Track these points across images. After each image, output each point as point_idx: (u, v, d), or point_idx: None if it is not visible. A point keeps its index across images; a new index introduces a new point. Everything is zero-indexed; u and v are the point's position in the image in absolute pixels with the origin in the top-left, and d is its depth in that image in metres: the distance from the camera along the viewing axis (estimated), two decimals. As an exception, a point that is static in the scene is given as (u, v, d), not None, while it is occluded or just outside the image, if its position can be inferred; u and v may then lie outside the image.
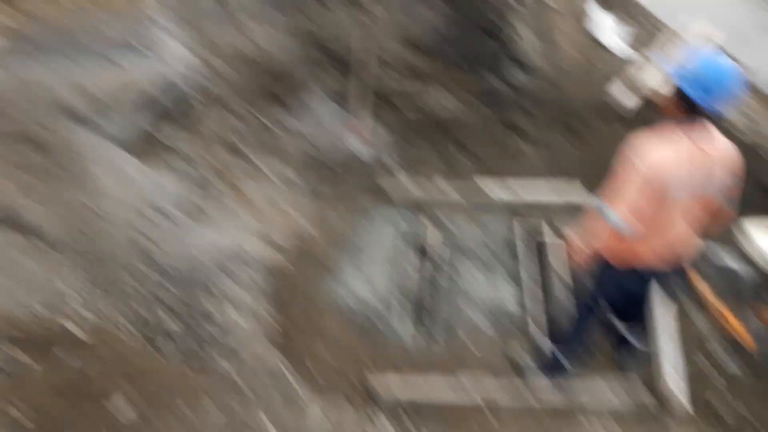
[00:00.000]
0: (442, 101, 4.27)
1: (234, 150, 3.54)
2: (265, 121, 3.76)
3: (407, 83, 4.24)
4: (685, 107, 2.08)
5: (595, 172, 3.05)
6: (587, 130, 4.19)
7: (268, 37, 3.97)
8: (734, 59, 2.98)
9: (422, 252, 3.66)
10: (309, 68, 4.07)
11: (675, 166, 2.08)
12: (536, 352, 3.06)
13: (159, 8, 3.56)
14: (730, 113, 3.62)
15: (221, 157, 3.45)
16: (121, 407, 2.08)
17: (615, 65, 4.29)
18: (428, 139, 4.20)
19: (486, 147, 4.23)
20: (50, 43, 3.03)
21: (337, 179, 3.92)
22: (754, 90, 3.93)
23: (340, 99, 4.05)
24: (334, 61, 4.13)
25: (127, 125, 3.04)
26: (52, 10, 3.21)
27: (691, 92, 2.03)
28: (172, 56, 3.44)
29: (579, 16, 4.48)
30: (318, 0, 4.19)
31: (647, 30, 4.41)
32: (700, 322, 3.26)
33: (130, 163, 2.89)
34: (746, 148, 2.84)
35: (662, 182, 2.08)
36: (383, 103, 4.11)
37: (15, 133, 2.57)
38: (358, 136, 4.01)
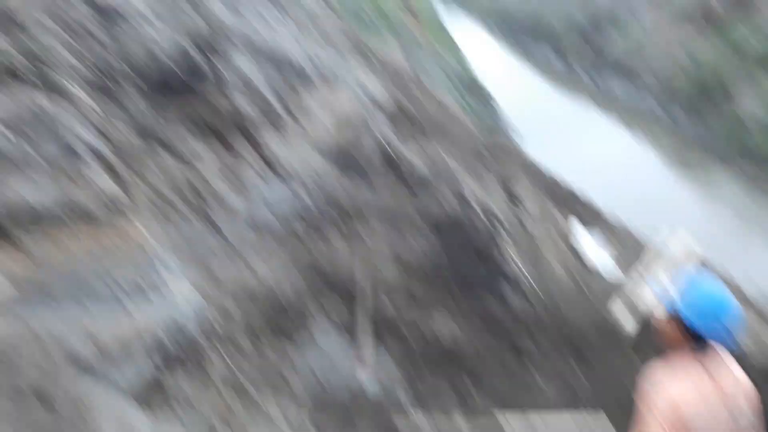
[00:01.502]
0: (447, 328, 4.10)
1: (241, 392, 3.15)
2: (272, 358, 3.43)
3: (410, 311, 4.10)
4: (691, 336, 1.91)
5: (615, 400, 2.84)
6: (595, 354, 4.06)
7: (271, 271, 3.84)
8: (720, 273, 3.05)
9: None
10: (314, 300, 3.89)
11: (697, 402, 1.86)
12: None
13: (165, 249, 3.40)
14: (742, 339, 3.59)
15: (229, 402, 3.04)
16: None
17: (608, 286, 4.33)
18: (438, 370, 3.92)
19: (497, 377, 3.98)
20: (59, 289, 2.73)
21: (348, 420, 3.51)
22: (747, 303, 3.97)
23: (347, 330, 3.82)
24: (338, 292, 3.99)
25: (136, 374, 2.64)
26: (61, 255, 2.96)
27: (695, 322, 1.89)
28: (180, 297, 3.20)
29: (565, 239, 4.63)
30: (317, 232, 4.20)
31: (631, 248, 4.57)
32: None
33: (138, 418, 2.46)
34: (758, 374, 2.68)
35: (685, 421, 1.84)
36: (389, 332, 3.90)
37: (22, 387, 2.15)
38: (367, 370, 3.71)
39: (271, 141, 4.57)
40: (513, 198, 4.95)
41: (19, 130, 2.76)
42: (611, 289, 4.24)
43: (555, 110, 16.65)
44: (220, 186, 4.12)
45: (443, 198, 4.45)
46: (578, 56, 22.22)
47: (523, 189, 5.02)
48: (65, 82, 3.22)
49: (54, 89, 3.17)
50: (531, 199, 4.93)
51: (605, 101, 18.09)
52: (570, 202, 5.28)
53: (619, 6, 22.52)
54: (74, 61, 3.48)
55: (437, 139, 5.99)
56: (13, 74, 2.98)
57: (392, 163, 4.80)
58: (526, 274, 4.38)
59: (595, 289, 4.30)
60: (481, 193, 4.60)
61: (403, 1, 18.86)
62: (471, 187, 4.55)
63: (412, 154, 4.93)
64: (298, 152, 4.60)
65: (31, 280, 2.62)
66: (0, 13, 3.26)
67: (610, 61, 19.96)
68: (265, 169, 4.44)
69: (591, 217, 5.14)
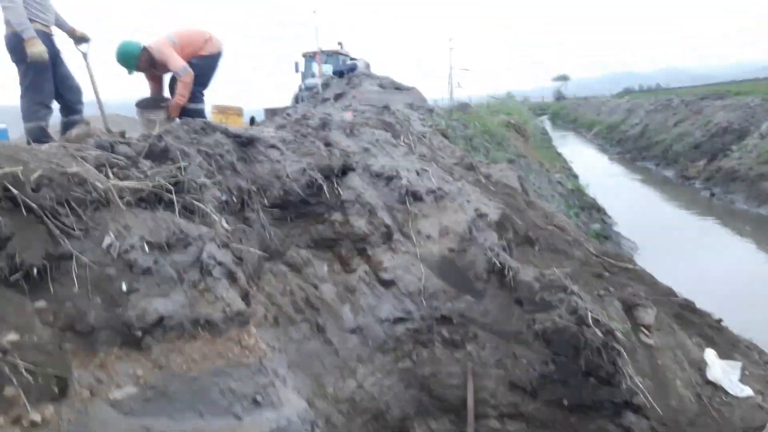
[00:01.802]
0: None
1: None
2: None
3: (511, 424, 3.86)
4: None
5: None
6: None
7: (377, 383, 3.82)
8: None
9: None
10: (420, 418, 3.78)
11: None
12: None
13: (279, 359, 3.51)
14: None
15: None
16: None
17: (743, 411, 3.85)
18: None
19: None
20: (179, 394, 2.89)
21: None
22: None
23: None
24: (444, 410, 3.87)
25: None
26: (183, 363, 3.16)
27: None
28: (289, 408, 3.25)
29: (691, 360, 4.23)
30: (426, 348, 4.15)
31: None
32: None
33: None
34: None
35: None
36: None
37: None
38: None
39: (384, 258, 4.71)
40: (631, 314, 4.65)
41: (158, 248, 3.06)
42: (750, 414, 3.77)
43: (671, 223, 15.81)
44: (334, 300, 4.25)
45: (555, 313, 4.28)
46: (693, 168, 21.35)
47: (642, 304, 4.71)
48: (202, 206, 3.58)
49: (192, 211, 3.52)
50: (651, 316, 4.60)
51: (725, 213, 16.96)
52: (695, 320, 4.86)
53: (738, 117, 21.73)
54: (212, 186, 3.87)
55: (548, 254, 5.87)
56: (159, 200, 3.35)
57: (502, 278, 4.73)
58: (647, 395, 4.00)
59: (727, 415, 3.83)
60: (596, 308, 4.38)
61: (511, 122, 19.41)
62: (584, 302, 4.34)
63: (522, 269, 4.85)
64: (410, 268, 4.68)
65: (154, 385, 2.78)
66: (159, 149, 3.76)
67: (728, 171, 18.96)
68: (376, 285, 4.55)
69: (720, 338, 4.67)
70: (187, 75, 6.50)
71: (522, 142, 18.89)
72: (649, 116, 30.80)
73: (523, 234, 5.69)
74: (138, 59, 6.51)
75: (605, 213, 15.19)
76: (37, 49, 5.22)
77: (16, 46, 5.33)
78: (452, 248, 4.90)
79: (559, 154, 26.20)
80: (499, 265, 4.73)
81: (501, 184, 6.83)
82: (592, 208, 15.10)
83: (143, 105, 6.81)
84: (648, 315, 4.64)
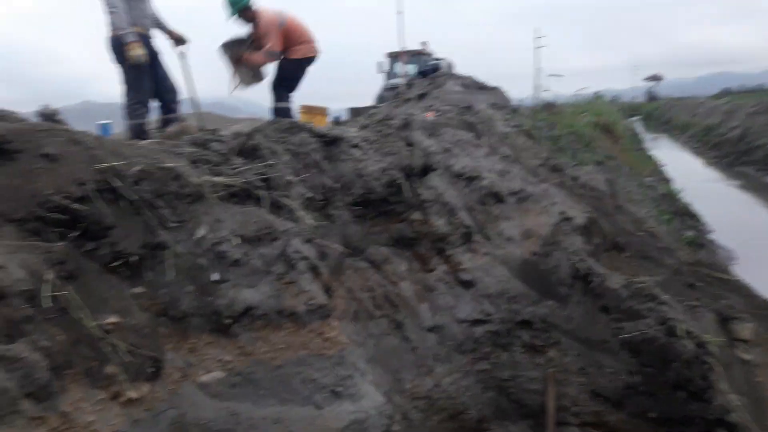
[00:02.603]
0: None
1: None
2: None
3: None
4: None
5: None
6: None
7: (455, 383, 3.77)
8: None
9: None
10: (496, 418, 3.70)
11: None
12: None
13: (359, 353, 3.54)
14: None
15: None
16: None
17: None
18: None
19: None
20: (260, 379, 2.98)
21: None
22: None
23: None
24: (523, 415, 3.76)
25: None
26: (264, 349, 3.25)
27: None
28: (367, 401, 3.28)
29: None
30: (506, 351, 4.06)
31: None
32: None
33: None
34: None
35: None
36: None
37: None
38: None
39: (464, 258, 4.65)
40: (727, 328, 4.34)
41: (247, 240, 3.16)
42: None
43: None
44: (413, 298, 4.24)
45: (643, 322, 4.07)
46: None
47: (739, 317, 4.39)
48: (289, 202, 3.67)
49: (279, 206, 3.62)
50: (749, 330, 4.27)
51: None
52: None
53: None
54: (297, 183, 3.97)
55: (638, 261, 5.59)
56: (248, 195, 3.47)
57: (587, 284, 4.55)
58: (742, 412, 3.72)
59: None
60: (687, 319, 4.12)
61: (600, 122, 18.66)
62: (675, 312, 4.10)
63: (609, 276, 4.64)
64: (490, 270, 4.60)
65: (240, 371, 2.88)
66: (250, 146, 3.90)
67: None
68: (456, 285, 4.50)
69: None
70: (269, 58, 6.66)
71: (611, 143, 18.11)
72: (750, 119, 28.69)
73: (611, 239, 5.45)
74: (243, 10, 6.69)
75: (699, 219, 14.29)
76: (136, 52, 5.57)
77: (118, 48, 5.70)
78: (535, 251, 4.77)
79: (651, 157, 24.91)
80: (584, 270, 4.55)
81: (588, 187, 6.58)
82: (686, 214, 14.23)
83: (227, 44, 6.96)
84: (745, 329, 4.32)
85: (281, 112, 6.97)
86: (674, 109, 49.51)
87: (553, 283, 4.60)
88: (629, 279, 4.65)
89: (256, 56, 6.73)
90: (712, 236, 13.19)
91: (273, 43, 6.62)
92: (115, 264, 2.68)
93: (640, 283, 4.51)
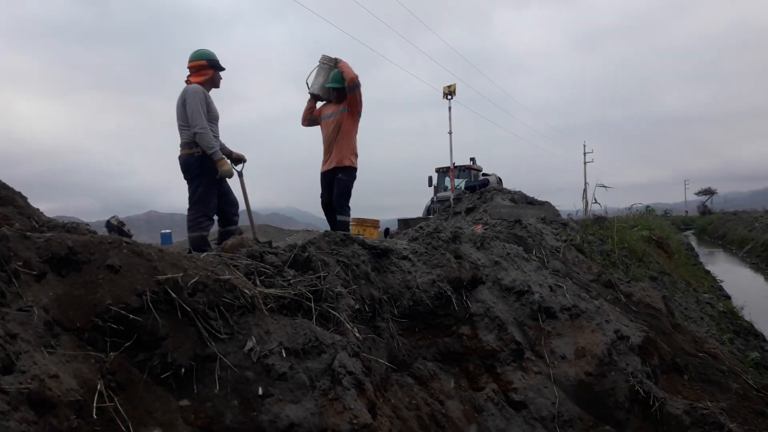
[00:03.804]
0: None
1: None
2: None
3: None
4: None
5: None
6: None
7: None
8: None
9: None
10: None
11: None
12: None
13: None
14: None
15: None
16: None
17: None
18: None
19: None
20: None
21: None
22: None
23: None
24: None
25: None
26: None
27: None
28: None
29: None
30: None
31: None
32: None
33: None
34: None
35: None
36: None
37: None
38: None
39: (514, 377, 4.43)
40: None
41: (294, 353, 3.11)
42: None
43: None
44: (461, 419, 4.02)
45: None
46: None
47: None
48: (337, 314, 3.64)
49: (327, 318, 3.59)
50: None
51: None
52: None
53: None
54: (346, 295, 3.95)
55: (699, 384, 5.18)
56: (299, 306, 3.47)
57: (646, 408, 4.22)
58: None
59: None
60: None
61: (653, 236, 18.22)
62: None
63: (670, 400, 4.30)
64: (542, 390, 4.35)
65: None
66: (302, 259, 3.95)
67: None
68: (505, 406, 4.25)
69: None
70: (357, 80, 6.98)
71: (665, 258, 17.54)
72: (811, 233, 27.45)
73: (670, 360, 5.12)
74: (341, 91, 7.17)
75: (765, 339, 13.34)
76: (227, 167, 6.12)
77: (193, 165, 6.07)
78: (590, 372, 4.50)
79: (708, 272, 23.90)
80: (643, 393, 4.24)
81: (643, 303, 6.30)
82: (749, 334, 13.33)
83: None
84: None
85: (343, 225, 7.11)
86: (729, 223, 48.18)
87: (609, 407, 4.29)
88: (692, 404, 4.29)
89: (352, 69, 7.08)
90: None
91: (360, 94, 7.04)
92: (164, 375, 2.67)
93: (704, 410, 4.15)
